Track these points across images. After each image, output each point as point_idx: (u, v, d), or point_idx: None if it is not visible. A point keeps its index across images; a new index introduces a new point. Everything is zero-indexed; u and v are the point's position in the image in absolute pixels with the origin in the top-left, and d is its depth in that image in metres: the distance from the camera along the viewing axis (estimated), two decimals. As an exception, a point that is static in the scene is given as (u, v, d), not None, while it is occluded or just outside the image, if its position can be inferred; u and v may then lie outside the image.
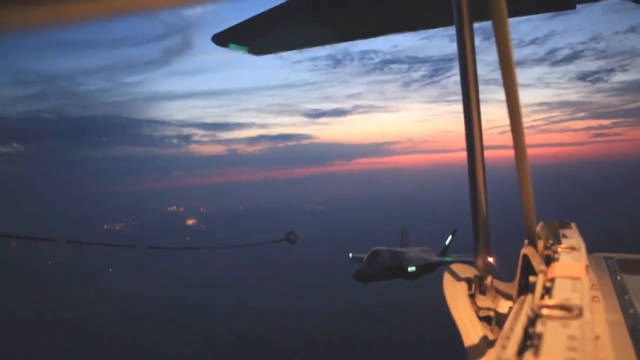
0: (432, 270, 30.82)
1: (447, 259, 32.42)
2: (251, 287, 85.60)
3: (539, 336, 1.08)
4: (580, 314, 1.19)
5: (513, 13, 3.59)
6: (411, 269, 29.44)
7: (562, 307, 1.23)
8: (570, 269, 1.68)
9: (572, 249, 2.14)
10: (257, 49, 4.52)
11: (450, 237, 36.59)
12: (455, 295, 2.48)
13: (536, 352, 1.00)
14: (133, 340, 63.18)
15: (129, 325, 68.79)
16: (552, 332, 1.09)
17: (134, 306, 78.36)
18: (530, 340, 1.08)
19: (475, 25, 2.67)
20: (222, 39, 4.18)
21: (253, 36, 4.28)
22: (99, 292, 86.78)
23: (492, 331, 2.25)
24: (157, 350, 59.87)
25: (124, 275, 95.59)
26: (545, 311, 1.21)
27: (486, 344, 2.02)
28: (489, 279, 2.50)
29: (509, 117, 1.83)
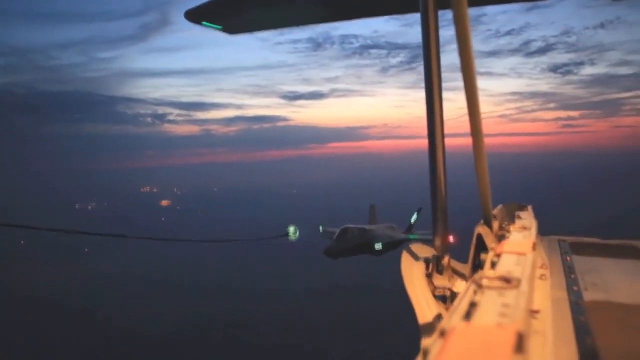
0: (398, 247, 32.10)
1: (412, 236, 34.27)
2: (228, 266, 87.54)
3: (476, 305, 1.14)
4: (517, 285, 1.25)
5: (484, 1, 3.74)
6: (378, 246, 31.00)
7: (502, 279, 1.30)
8: (518, 245, 1.76)
9: (524, 228, 2.25)
10: (231, 28, 4.40)
11: (415, 215, 37.69)
12: (412, 274, 2.53)
13: (470, 319, 1.06)
14: (110, 320, 64.08)
15: (108, 304, 69.65)
16: (487, 300, 1.16)
17: (113, 284, 79.01)
18: (471, 309, 1.13)
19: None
20: (195, 15, 4.00)
21: (227, 14, 4.15)
22: (75, 270, 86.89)
23: (447, 309, 2.31)
24: (135, 331, 60.76)
25: (102, 254, 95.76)
26: (485, 282, 1.29)
27: (439, 321, 2.04)
28: (446, 259, 2.56)
29: (467, 102, 1.86)
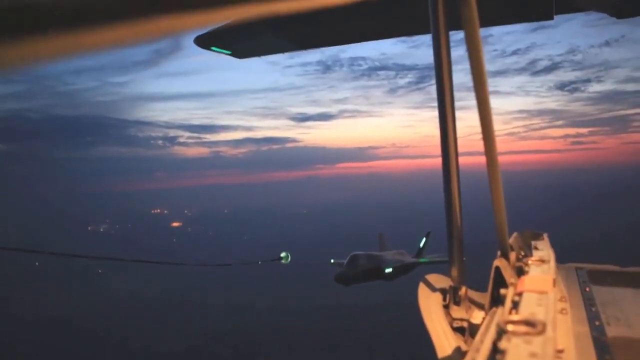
0: (408, 271, 32.60)
1: (422, 260, 34.42)
2: (239, 286, 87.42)
3: (503, 352, 1.11)
4: (543, 329, 1.22)
5: (491, 22, 3.73)
6: (388, 270, 31.14)
7: (526, 323, 1.26)
8: (538, 282, 1.73)
9: (542, 261, 2.22)
10: (240, 52, 4.44)
11: (424, 239, 37.82)
12: (430, 306, 2.51)
13: None
14: (125, 338, 64.19)
15: (121, 324, 69.67)
16: (515, 349, 1.12)
17: (126, 305, 79.37)
18: (496, 355, 1.11)
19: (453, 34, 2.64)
20: (204, 41, 4.04)
21: (236, 39, 4.18)
22: (89, 291, 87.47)
23: (465, 342, 2.27)
24: (149, 349, 61.06)
25: (115, 275, 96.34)
26: (510, 327, 1.25)
27: (458, 355, 2.04)
28: (463, 290, 2.54)
29: (481, 127, 1.83)
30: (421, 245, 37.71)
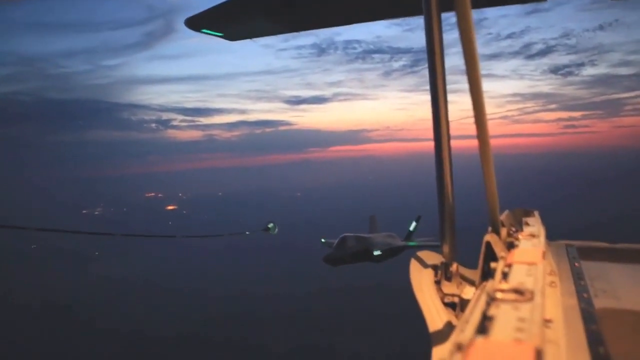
0: (397, 254, 32.72)
1: (411, 243, 34.53)
2: (233, 270, 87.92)
3: (492, 319, 1.14)
4: (531, 297, 1.27)
5: (484, 3, 3.71)
6: (377, 253, 31.30)
7: (515, 291, 1.31)
8: (528, 255, 1.77)
9: (532, 236, 2.25)
10: (232, 34, 4.38)
11: (414, 223, 38.06)
12: (421, 282, 2.53)
13: (487, 333, 1.06)
14: (118, 324, 64.44)
15: (114, 310, 70.10)
16: (504, 315, 1.16)
17: (119, 290, 79.54)
18: (485, 322, 1.14)
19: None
20: (195, 23, 4.01)
21: (227, 21, 4.13)
22: (83, 276, 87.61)
23: (456, 317, 2.31)
24: (142, 334, 61.38)
25: (109, 260, 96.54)
26: (499, 295, 1.29)
27: (449, 329, 2.07)
28: (454, 266, 2.55)
29: (473, 107, 1.85)
30: (411, 228, 37.90)
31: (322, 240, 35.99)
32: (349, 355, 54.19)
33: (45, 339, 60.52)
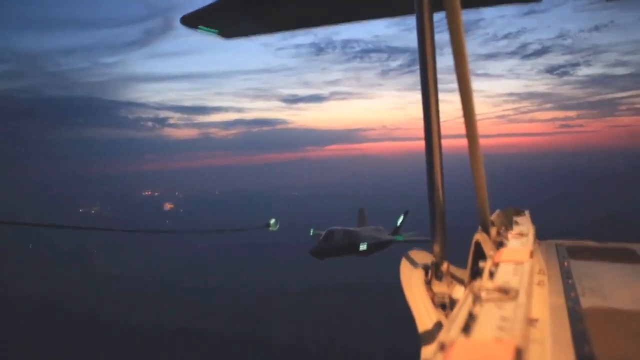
0: (383, 248, 32.72)
1: (398, 238, 34.61)
2: (230, 268, 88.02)
3: (475, 317, 1.15)
4: (516, 296, 1.27)
5: (478, 3, 3.69)
6: (363, 247, 31.15)
7: (500, 290, 1.32)
8: (516, 253, 1.77)
9: (521, 235, 2.26)
10: (228, 32, 4.32)
11: (402, 217, 38.04)
12: (412, 281, 2.52)
13: (470, 333, 1.06)
14: (114, 320, 64.60)
15: (110, 305, 70.11)
16: (486, 314, 1.17)
17: (116, 286, 79.67)
18: (470, 322, 1.14)
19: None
20: (191, 21, 3.96)
21: (224, 18, 4.10)
22: (81, 273, 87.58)
23: (446, 317, 2.28)
24: (135, 329, 61.47)
25: (106, 257, 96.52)
26: (484, 294, 1.30)
27: (438, 329, 2.05)
28: (445, 265, 2.52)
29: (462, 106, 1.84)
30: (398, 223, 37.79)
31: (311, 232, 35.79)
32: (348, 350, 54.44)
33: (44, 336, 60.51)
